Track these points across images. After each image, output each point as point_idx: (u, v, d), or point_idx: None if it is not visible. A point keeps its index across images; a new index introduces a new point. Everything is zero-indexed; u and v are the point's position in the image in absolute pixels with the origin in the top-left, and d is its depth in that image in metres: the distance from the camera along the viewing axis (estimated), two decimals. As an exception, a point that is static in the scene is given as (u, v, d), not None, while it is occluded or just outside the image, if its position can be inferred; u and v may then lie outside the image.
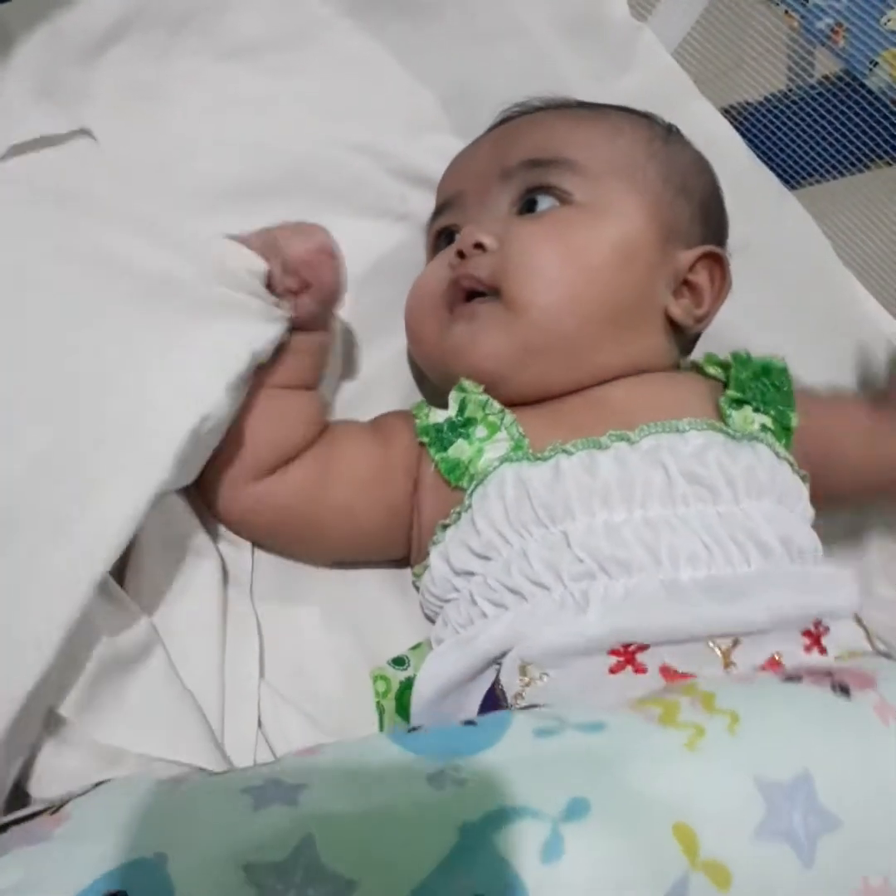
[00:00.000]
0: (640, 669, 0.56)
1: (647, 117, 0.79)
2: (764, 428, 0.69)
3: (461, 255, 0.71)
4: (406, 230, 0.85)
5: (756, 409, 0.69)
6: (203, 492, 0.68)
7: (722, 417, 0.69)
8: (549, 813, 0.40)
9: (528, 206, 0.72)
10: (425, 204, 0.85)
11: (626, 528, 0.61)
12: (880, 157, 0.86)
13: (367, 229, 0.84)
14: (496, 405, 0.69)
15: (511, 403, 0.69)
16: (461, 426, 0.69)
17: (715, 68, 0.96)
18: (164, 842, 0.38)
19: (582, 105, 0.80)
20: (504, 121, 0.82)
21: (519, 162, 0.73)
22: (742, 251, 0.82)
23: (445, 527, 0.67)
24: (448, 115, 0.91)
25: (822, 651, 0.59)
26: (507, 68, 0.92)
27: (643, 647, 0.56)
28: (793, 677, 0.50)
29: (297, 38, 0.89)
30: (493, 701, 0.59)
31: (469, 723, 0.47)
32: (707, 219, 0.77)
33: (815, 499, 0.70)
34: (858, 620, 0.63)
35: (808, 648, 0.58)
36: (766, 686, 0.50)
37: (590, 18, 0.95)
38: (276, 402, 0.68)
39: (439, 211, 0.80)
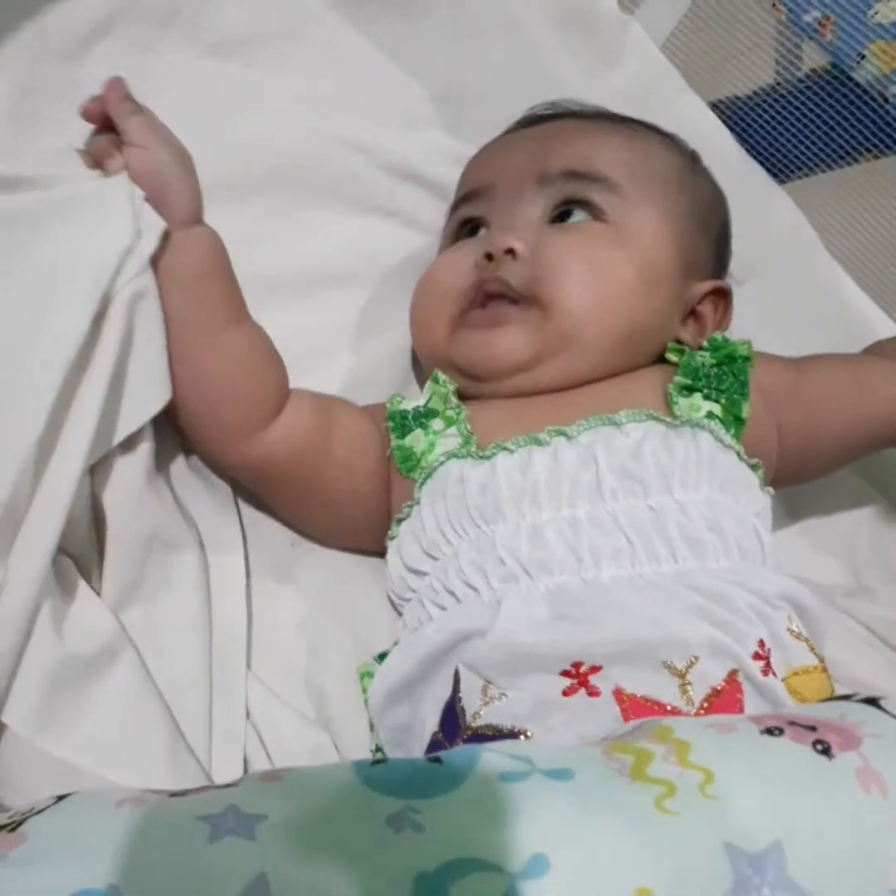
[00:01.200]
0: (593, 692, 0.56)
1: (675, 141, 0.80)
2: (711, 415, 0.67)
3: (489, 257, 0.70)
4: (397, 226, 0.85)
5: (706, 397, 0.68)
6: (211, 444, 0.68)
7: (669, 404, 0.68)
8: (509, 868, 0.39)
9: (561, 216, 0.72)
10: (416, 200, 0.85)
11: (549, 528, 0.61)
12: (869, 150, 0.86)
13: (356, 225, 0.84)
14: (454, 400, 0.69)
15: (483, 397, 0.70)
16: (423, 416, 0.70)
17: (703, 62, 0.96)
18: (117, 873, 0.38)
19: (616, 119, 0.80)
20: (537, 121, 0.81)
21: (560, 170, 0.73)
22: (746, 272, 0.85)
23: (400, 520, 0.68)
24: (438, 110, 0.91)
25: (774, 674, 0.58)
26: (497, 63, 0.92)
27: (595, 669, 0.56)
28: (773, 729, 0.47)
29: (286, 32, 0.89)
30: (453, 718, 0.59)
31: (435, 759, 0.45)
32: (719, 253, 0.79)
33: (799, 475, 0.70)
34: (795, 632, 0.61)
35: (764, 672, 0.57)
36: (745, 740, 0.47)
37: (579, 13, 0.95)
38: (236, 339, 0.66)
39: (466, 198, 0.78)
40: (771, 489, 0.70)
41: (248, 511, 0.75)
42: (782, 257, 0.92)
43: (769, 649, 0.58)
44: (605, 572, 0.59)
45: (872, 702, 0.51)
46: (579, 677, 0.56)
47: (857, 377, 0.75)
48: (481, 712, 0.57)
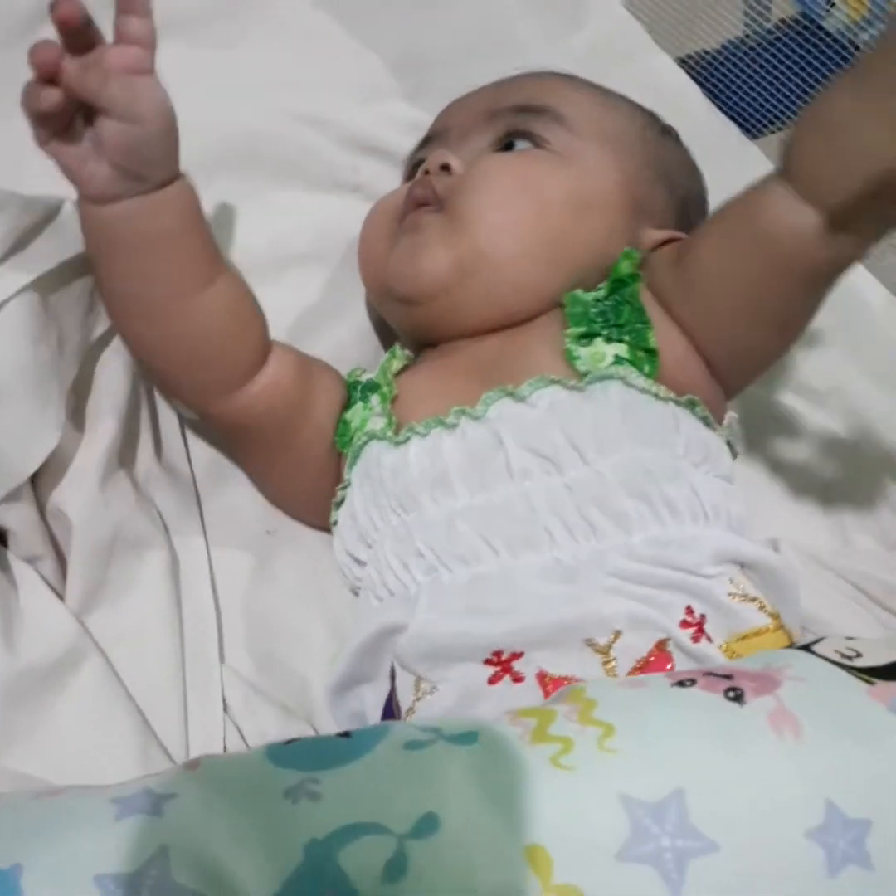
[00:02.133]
0: (518, 679, 0.55)
1: (651, 115, 0.78)
2: (618, 359, 0.62)
3: (427, 173, 0.71)
4: (360, 201, 0.83)
5: (608, 339, 0.63)
6: (190, 400, 0.68)
7: (570, 360, 0.63)
8: (397, 830, 0.39)
9: (506, 147, 0.71)
10: (378, 174, 0.83)
11: (462, 518, 0.59)
12: (841, 101, 0.85)
13: (319, 202, 0.83)
14: (390, 376, 0.68)
15: (420, 339, 0.70)
16: (367, 389, 0.69)
17: (670, 18, 0.94)
18: (22, 852, 0.38)
19: (592, 83, 0.78)
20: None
21: (509, 106, 0.72)
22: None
23: (337, 505, 0.67)
24: (398, 80, 0.89)
25: (709, 639, 0.56)
26: (457, 30, 0.91)
27: (517, 655, 0.55)
28: (685, 681, 0.46)
29: (238, 8, 0.87)
30: (391, 714, 0.58)
31: (344, 734, 0.45)
32: (686, 216, 0.76)
33: (746, 372, 0.67)
34: (742, 591, 0.58)
35: (695, 639, 0.55)
36: (653, 693, 0.47)
37: (539, -27, 0.93)
38: (221, 293, 0.64)
39: (421, 145, 0.78)
40: (731, 418, 0.66)
41: (224, 499, 0.74)
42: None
43: (703, 615, 0.56)
44: (522, 559, 0.58)
45: (807, 648, 0.50)
46: (502, 664, 0.55)
47: (737, 225, 0.61)
48: (415, 707, 0.57)
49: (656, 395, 0.61)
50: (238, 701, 0.65)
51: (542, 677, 0.55)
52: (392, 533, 0.62)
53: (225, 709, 0.64)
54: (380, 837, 0.38)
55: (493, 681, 0.55)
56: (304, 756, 0.43)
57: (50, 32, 0.81)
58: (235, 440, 0.72)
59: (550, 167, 0.69)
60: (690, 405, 0.63)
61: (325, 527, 0.72)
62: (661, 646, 0.55)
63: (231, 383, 0.66)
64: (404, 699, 0.57)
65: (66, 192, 0.65)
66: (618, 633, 0.55)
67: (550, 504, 0.58)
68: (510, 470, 0.60)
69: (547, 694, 0.54)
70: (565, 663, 0.55)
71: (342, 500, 0.67)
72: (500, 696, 0.54)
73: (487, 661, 0.55)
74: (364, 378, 0.71)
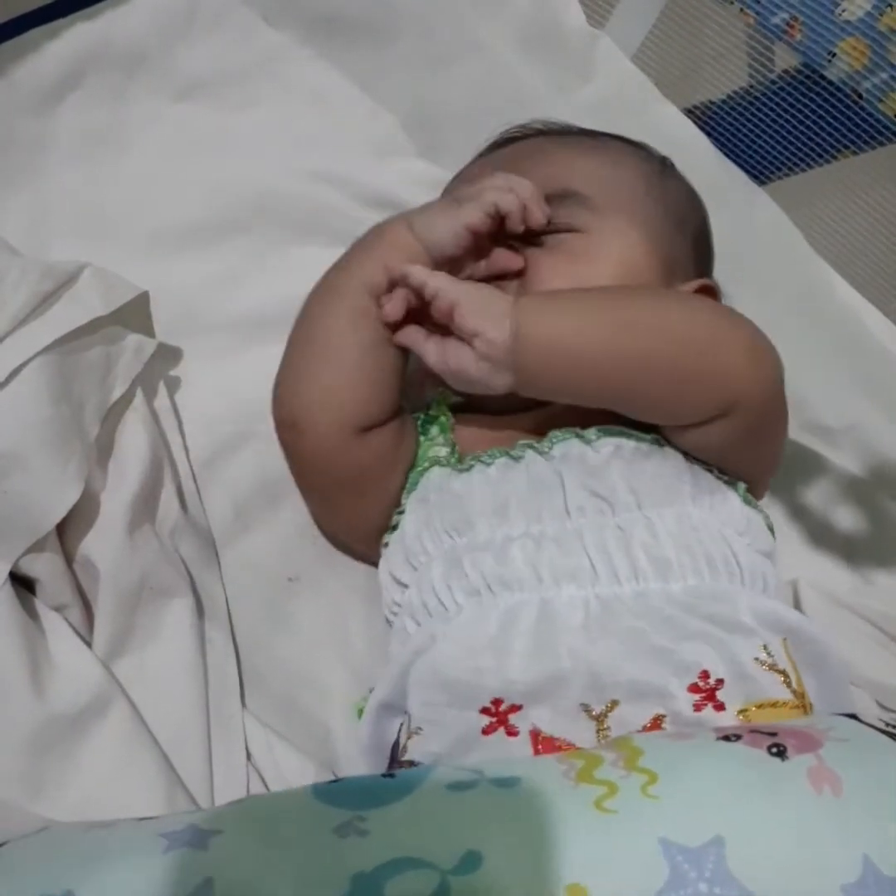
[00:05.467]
0: (512, 732, 0.56)
1: (644, 149, 0.80)
2: None
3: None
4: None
5: None
6: (290, 427, 0.68)
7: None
8: (441, 865, 0.40)
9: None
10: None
11: (515, 544, 0.61)
12: (846, 147, 0.86)
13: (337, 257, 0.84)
14: (446, 407, 0.70)
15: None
16: (427, 422, 0.71)
17: (676, 70, 0.96)
18: (74, 879, 0.40)
19: (581, 132, 0.80)
20: (506, 143, 0.81)
21: None
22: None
23: (392, 530, 0.68)
24: (411, 137, 0.92)
25: (718, 707, 0.56)
26: (468, 86, 0.92)
27: (516, 708, 0.56)
28: (731, 736, 0.47)
29: (254, 70, 0.90)
30: (395, 753, 0.59)
31: (388, 775, 0.47)
32: (700, 252, 0.79)
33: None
34: (784, 645, 0.59)
35: (698, 706, 0.55)
36: (699, 745, 0.48)
37: (547, 30, 0.95)
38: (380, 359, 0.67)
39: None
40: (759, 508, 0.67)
41: (242, 548, 0.75)
42: (768, 258, 0.91)
43: (719, 680, 0.56)
44: (564, 591, 0.59)
45: (852, 716, 0.51)
46: (499, 716, 0.56)
47: None
48: (407, 746, 0.58)
49: (707, 467, 0.66)
50: (260, 748, 0.66)
51: (536, 735, 0.55)
52: (442, 555, 0.63)
53: (247, 755, 0.65)
54: (425, 872, 0.40)
55: (487, 731, 0.56)
56: (350, 795, 0.45)
57: (75, 99, 0.85)
58: (319, 475, 0.71)
59: (589, 262, 0.70)
60: (733, 483, 0.67)
61: (370, 556, 0.73)
62: (656, 722, 0.55)
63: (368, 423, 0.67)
64: (402, 737, 0.59)
65: (85, 258, 0.68)
66: (615, 703, 0.56)
67: (600, 541, 0.60)
68: (567, 507, 0.62)
69: (537, 752, 0.55)
70: (560, 724, 0.55)
71: (396, 525, 0.68)
72: (492, 748, 0.55)
73: (484, 710, 0.56)
74: (418, 415, 0.72)
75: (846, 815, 0.43)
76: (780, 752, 0.45)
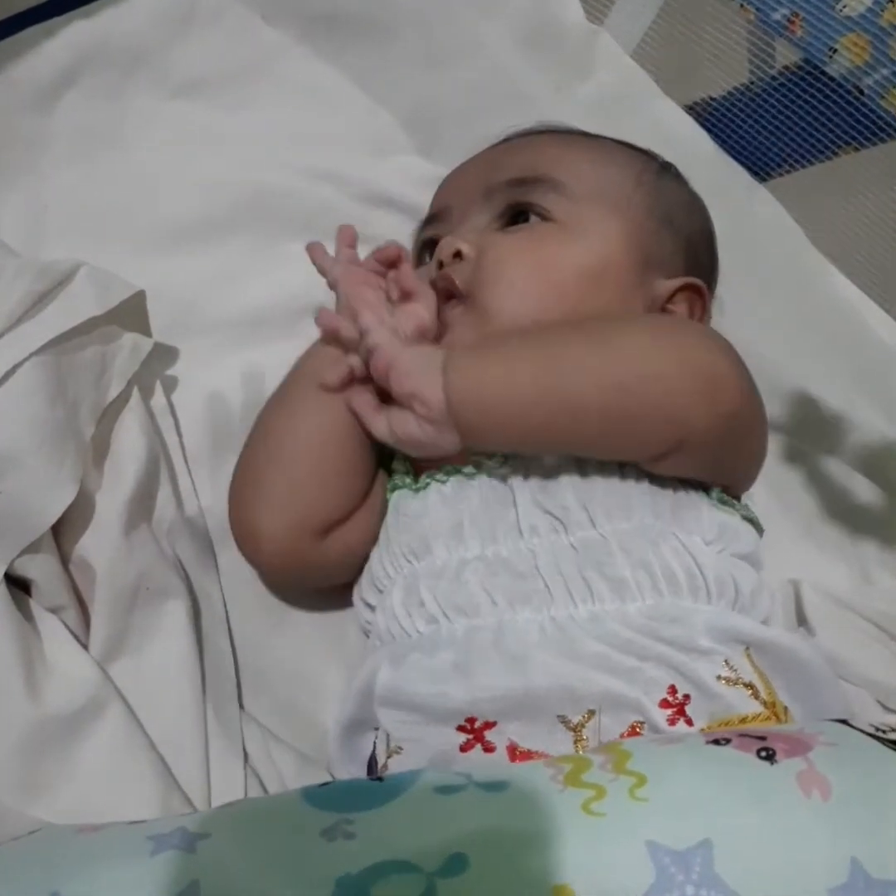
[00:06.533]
0: (489, 748, 0.56)
1: (646, 153, 0.79)
2: None
3: (441, 265, 0.71)
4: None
5: None
6: (248, 539, 0.67)
7: None
8: (427, 868, 0.40)
9: (509, 221, 0.72)
10: (391, 226, 0.85)
11: (470, 568, 0.60)
12: (847, 143, 0.85)
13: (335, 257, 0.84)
14: None
15: None
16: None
17: (676, 66, 0.95)
18: (60, 881, 0.41)
19: (583, 134, 0.80)
20: (503, 142, 0.81)
21: (504, 180, 0.73)
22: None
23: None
24: (409, 135, 0.91)
25: (688, 722, 0.55)
26: (466, 85, 0.92)
27: (490, 724, 0.56)
28: (720, 740, 0.47)
29: (252, 68, 0.90)
30: (373, 766, 0.60)
31: (377, 779, 0.47)
32: (693, 255, 0.77)
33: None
34: (748, 658, 0.58)
35: (672, 720, 0.55)
36: (687, 749, 0.47)
37: (546, 28, 0.95)
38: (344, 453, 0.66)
39: (425, 224, 0.80)
40: (741, 507, 0.66)
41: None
42: (769, 255, 0.91)
43: (686, 695, 0.56)
44: (520, 615, 0.58)
45: (842, 722, 0.50)
46: (475, 733, 0.56)
47: None
48: (388, 764, 0.58)
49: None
50: (257, 749, 0.65)
51: (513, 750, 0.55)
52: (402, 581, 0.62)
53: (245, 757, 0.65)
54: (411, 875, 0.40)
55: (464, 748, 0.56)
56: (339, 798, 0.45)
57: (72, 97, 0.84)
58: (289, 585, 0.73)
59: (558, 244, 0.70)
60: (703, 487, 0.65)
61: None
62: (634, 729, 0.55)
63: (328, 524, 0.66)
64: (380, 752, 0.59)
65: (82, 256, 0.67)
66: (592, 713, 0.55)
67: (554, 562, 0.59)
68: (520, 527, 0.61)
69: None
70: (537, 737, 0.55)
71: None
72: (472, 765, 0.54)
73: (460, 728, 0.56)
74: None
75: (834, 818, 0.42)
76: (769, 756, 0.45)
